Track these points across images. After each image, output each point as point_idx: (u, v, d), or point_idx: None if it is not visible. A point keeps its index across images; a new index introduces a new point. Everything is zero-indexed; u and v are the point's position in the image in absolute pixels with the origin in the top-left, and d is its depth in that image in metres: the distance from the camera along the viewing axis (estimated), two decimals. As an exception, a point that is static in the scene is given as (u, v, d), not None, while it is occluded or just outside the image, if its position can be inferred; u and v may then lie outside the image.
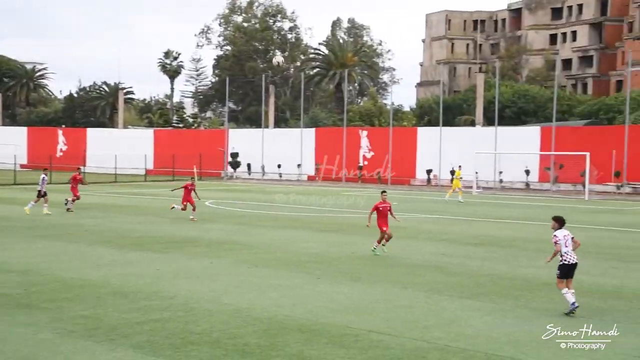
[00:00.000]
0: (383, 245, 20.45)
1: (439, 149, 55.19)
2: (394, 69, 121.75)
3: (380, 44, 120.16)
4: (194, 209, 29.49)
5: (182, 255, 20.26)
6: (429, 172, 58.82)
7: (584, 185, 47.07)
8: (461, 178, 43.49)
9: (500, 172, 54.33)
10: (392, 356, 10.89)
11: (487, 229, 27.96)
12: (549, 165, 52.02)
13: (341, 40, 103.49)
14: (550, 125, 53.71)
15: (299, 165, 65.76)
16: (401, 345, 11.44)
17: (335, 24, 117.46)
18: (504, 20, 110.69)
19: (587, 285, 16.34)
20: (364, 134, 65.30)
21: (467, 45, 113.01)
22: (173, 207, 30.49)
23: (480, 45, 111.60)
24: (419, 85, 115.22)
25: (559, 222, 13.63)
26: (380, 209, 20.38)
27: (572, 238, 13.51)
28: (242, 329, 12.23)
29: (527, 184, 53.66)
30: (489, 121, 70.88)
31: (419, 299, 14.83)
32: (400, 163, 59.48)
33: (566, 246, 13.42)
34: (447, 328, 12.47)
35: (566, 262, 13.42)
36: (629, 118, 51.26)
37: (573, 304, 13.20)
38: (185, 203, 29.82)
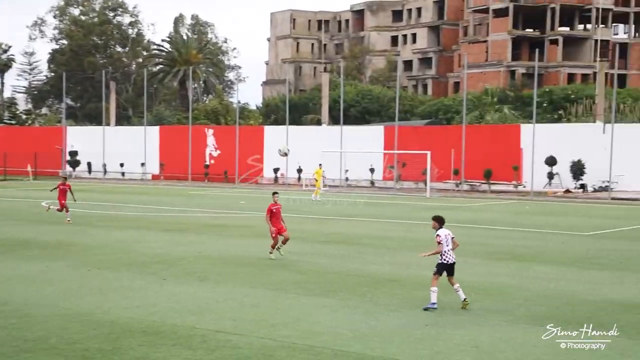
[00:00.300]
0: (278, 248, 19.66)
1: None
2: (239, 67, 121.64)
3: (225, 42, 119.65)
4: (66, 210, 28.51)
5: (16, 258, 19.24)
6: (276, 170, 59.13)
7: (425, 183, 48.85)
8: (323, 177, 44.18)
9: (346, 171, 55.43)
10: (240, 356, 10.80)
11: (335, 226, 28.41)
12: (392, 163, 53.62)
13: (185, 37, 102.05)
14: (393, 125, 55.37)
15: (142, 164, 64.29)
16: (249, 344, 11.37)
17: (178, 21, 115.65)
18: (347, 21, 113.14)
19: (429, 279, 16.90)
20: (210, 132, 64.77)
21: (312, 44, 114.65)
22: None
23: (325, 45, 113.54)
24: (265, 83, 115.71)
25: (439, 221, 13.90)
26: (274, 210, 19.53)
27: (452, 238, 13.83)
28: (82, 333, 11.75)
29: (372, 182, 55.04)
30: (334, 120, 72.17)
31: (267, 297, 14.81)
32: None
33: (447, 245, 13.72)
34: (295, 326, 12.52)
35: (445, 262, 13.71)
36: (465, 118, 53.67)
37: (433, 303, 13.58)
38: (63, 204, 28.78)
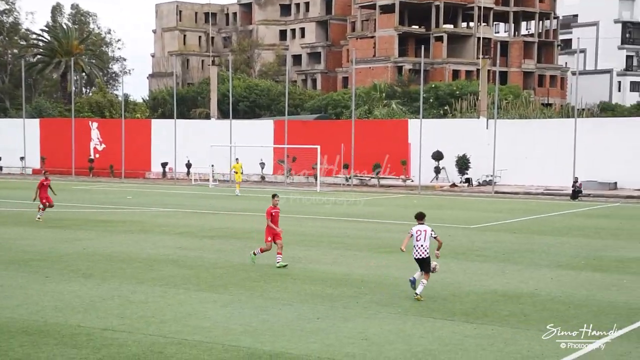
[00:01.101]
0: (278, 263, 17.82)
1: (174, 141, 54.83)
2: (124, 59, 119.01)
3: (109, 33, 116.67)
4: (43, 208, 27.28)
5: None
6: (164, 165, 58.27)
7: (315, 178, 49.23)
8: (242, 172, 44.00)
9: (212, 166, 55.10)
10: (128, 353, 10.61)
11: (223, 221, 28.26)
12: (282, 158, 53.76)
13: (65, 27, 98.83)
14: (283, 119, 55.52)
15: (22, 158, 61.96)
16: (137, 341, 11.19)
17: (56, 10, 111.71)
18: (235, 14, 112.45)
19: (320, 272, 17.12)
20: (94, 125, 63.13)
21: (200, 37, 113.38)
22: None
23: (213, 38, 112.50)
24: (152, 76, 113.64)
25: (418, 217, 14.47)
26: (273, 214, 18.21)
27: (433, 236, 14.12)
28: (-41, 335, 11.26)
29: (263, 177, 55.03)
30: (223, 114, 71.68)
31: (155, 293, 14.61)
32: (134, 155, 58.28)
33: (417, 240, 14.12)
34: (184, 322, 12.41)
35: (414, 256, 14.27)
36: (354, 113, 54.39)
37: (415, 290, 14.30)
38: (44, 202, 27.43)
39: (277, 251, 17.91)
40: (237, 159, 46.02)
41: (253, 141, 54.19)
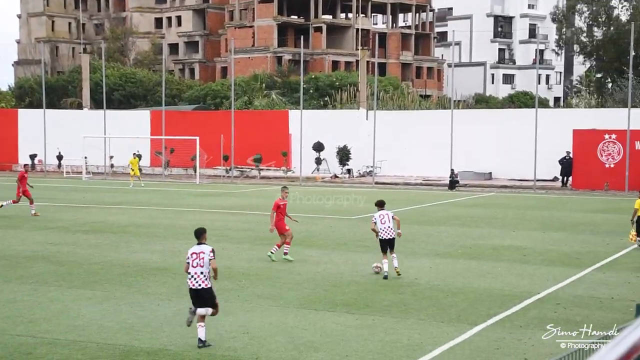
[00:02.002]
0: (285, 253, 17.83)
1: (43, 132, 52.92)
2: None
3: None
4: (31, 202, 26.97)
5: None
6: (32, 156, 56.16)
7: (195, 170, 48.67)
8: (140, 169, 44.24)
9: (111, 157, 53.81)
10: (-5, 356, 10.16)
11: (98, 215, 27.51)
12: (160, 149, 52.83)
13: None
14: (160, 109, 54.54)
15: None
16: (3, 343, 10.74)
17: None
18: (107, 0, 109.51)
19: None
20: (-46, 115, 60.15)
21: (70, 23, 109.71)
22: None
23: (84, 24, 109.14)
24: (17, 63, 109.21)
25: (379, 205, 16.26)
26: (281, 206, 18.10)
27: (393, 217, 15.92)
28: None
29: (140, 169, 53.87)
30: (96, 104, 69.74)
31: (24, 292, 14.07)
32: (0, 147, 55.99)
33: (382, 223, 15.72)
34: (56, 320, 12.01)
35: (380, 238, 15.78)
36: (234, 104, 54.10)
37: (385, 272, 15.49)
38: (20, 195, 26.94)
39: (286, 241, 17.91)
40: (134, 153, 46.05)
41: (129, 132, 53.00)
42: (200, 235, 11.73)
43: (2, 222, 24.91)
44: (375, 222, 15.94)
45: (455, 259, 18.34)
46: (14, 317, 12.20)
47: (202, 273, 11.15)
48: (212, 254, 11.26)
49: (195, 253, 11.36)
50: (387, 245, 15.79)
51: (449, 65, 73.46)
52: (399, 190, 41.48)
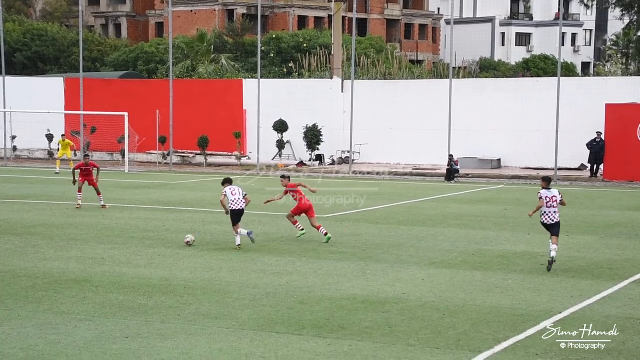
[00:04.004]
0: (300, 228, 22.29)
1: None
2: None
3: None
4: (98, 193, 28.87)
5: None
6: None
7: (123, 155, 48.45)
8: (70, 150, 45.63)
9: (14, 137, 53.39)
10: None
11: (-4, 212, 27.35)
12: (77, 128, 52.50)
13: None
14: (77, 77, 54.19)
15: None
16: None
17: None
18: None
19: (130, 278, 16.91)
20: None
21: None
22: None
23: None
24: None
25: (226, 182, 21.20)
26: (297, 186, 22.47)
27: (245, 195, 20.84)
28: None
29: (51, 153, 53.54)
30: (-5, 70, 69.09)
31: None
32: None
33: (232, 195, 20.58)
34: (-54, 347, 11.94)
35: (232, 208, 20.53)
36: (173, 70, 53.93)
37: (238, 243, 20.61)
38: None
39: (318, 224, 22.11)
40: (62, 135, 47.18)
41: (36, 106, 52.58)
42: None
43: None
44: (225, 195, 20.59)
45: (455, 269, 18.48)
46: None
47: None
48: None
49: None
50: (238, 216, 20.66)
51: (448, 23, 73.73)
52: (382, 182, 41.63)
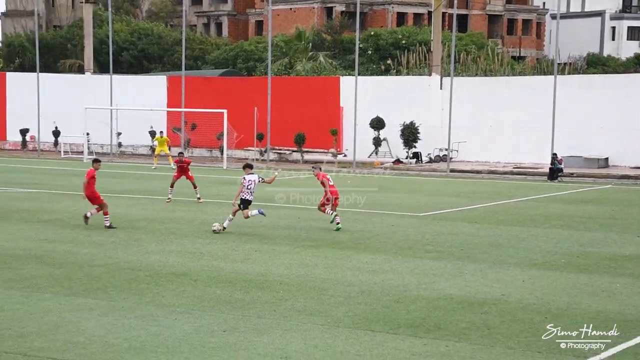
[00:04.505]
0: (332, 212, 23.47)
1: (36, 102, 53.80)
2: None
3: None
4: (195, 187, 30.02)
5: None
6: (24, 132, 57.24)
7: (221, 151, 49.00)
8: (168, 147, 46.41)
9: (119, 134, 54.52)
10: (-24, 379, 10.46)
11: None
12: (178, 125, 53.29)
13: None
14: (179, 75, 55.02)
15: None
16: (-12, 363, 11.04)
17: None
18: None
19: (227, 272, 17.11)
20: None
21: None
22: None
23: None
24: (5, 15, 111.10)
25: (247, 167, 23.18)
26: (328, 177, 24.12)
27: (262, 179, 23.01)
28: None
29: (153, 148, 54.47)
30: (101, 67, 70.64)
31: (12, 299, 14.41)
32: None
33: (248, 188, 22.40)
34: (52, 335, 12.27)
35: (243, 198, 22.56)
36: (272, 68, 54.26)
37: (224, 227, 22.47)
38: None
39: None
40: (160, 132, 48.35)
41: (140, 103, 53.57)
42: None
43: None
44: (243, 184, 22.60)
45: (558, 270, 18.16)
46: (1, 330, 12.49)
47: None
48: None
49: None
50: (247, 203, 22.73)
51: (553, 17, 72.55)
52: (481, 181, 41.28)
